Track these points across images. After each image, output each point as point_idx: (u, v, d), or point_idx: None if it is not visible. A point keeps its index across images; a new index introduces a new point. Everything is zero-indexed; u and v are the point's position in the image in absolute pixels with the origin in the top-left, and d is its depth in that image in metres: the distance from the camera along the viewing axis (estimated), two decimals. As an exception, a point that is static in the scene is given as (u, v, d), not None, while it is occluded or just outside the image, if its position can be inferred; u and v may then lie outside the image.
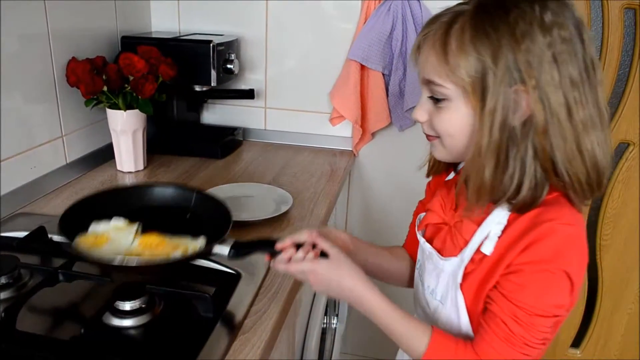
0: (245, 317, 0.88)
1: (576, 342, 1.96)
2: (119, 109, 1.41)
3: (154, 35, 1.67)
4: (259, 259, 0.97)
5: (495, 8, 0.68)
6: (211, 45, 1.52)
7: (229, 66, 1.61)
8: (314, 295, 1.49)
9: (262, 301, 0.93)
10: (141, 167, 1.51)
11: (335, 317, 1.79)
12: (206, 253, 0.89)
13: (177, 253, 0.89)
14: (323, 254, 0.80)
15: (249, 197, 1.33)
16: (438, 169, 0.92)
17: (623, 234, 1.78)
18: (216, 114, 1.86)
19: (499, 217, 0.74)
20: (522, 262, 0.70)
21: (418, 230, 0.92)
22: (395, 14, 1.55)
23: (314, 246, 0.81)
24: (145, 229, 0.96)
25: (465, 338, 0.77)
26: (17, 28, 1.19)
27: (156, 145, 1.64)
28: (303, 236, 0.82)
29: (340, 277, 0.79)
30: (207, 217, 1.01)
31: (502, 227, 0.73)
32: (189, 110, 1.77)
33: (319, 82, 1.73)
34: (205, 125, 1.85)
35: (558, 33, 0.67)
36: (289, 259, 0.81)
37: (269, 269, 1.01)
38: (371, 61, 1.59)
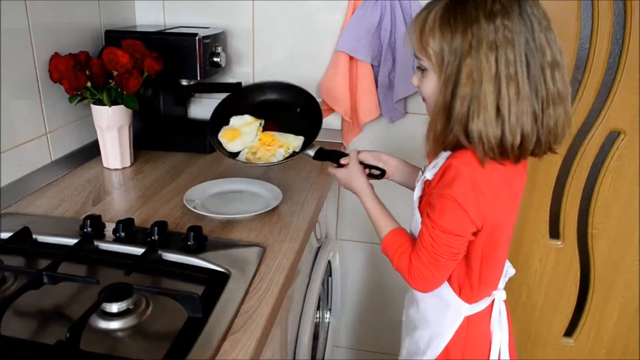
0: (235, 316, 0.86)
1: (569, 331, 1.96)
2: (104, 104, 1.38)
3: (138, 29, 1.63)
4: (249, 255, 1.01)
5: (461, 1, 0.87)
6: (197, 38, 1.49)
7: (215, 59, 1.58)
8: (306, 290, 1.48)
9: (253, 299, 0.91)
10: (128, 163, 1.49)
11: (328, 312, 1.78)
12: (300, 152, 1.22)
13: (281, 152, 1.21)
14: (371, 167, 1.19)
15: (238, 193, 1.31)
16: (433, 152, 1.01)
17: (614, 222, 1.78)
18: (203, 108, 1.83)
19: (442, 156, 0.95)
20: (434, 188, 0.93)
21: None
22: (383, 5, 1.52)
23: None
24: (267, 122, 1.28)
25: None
26: (-4, 23, 1.16)
27: (143, 141, 1.61)
28: (363, 155, 1.19)
29: (350, 182, 1.15)
30: (310, 114, 1.28)
31: (442, 161, 0.93)
32: (176, 105, 1.75)
33: (308, 75, 1.71)
34: (193, 119, 1.83)
35: (501, 21, 0.83)
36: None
37: (258, 267, 1.00)
38: (360, 52, 1.57)
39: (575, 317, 1.94)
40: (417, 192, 1.02)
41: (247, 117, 1.28)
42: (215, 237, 1.10)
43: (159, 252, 1.01)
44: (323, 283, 1.58)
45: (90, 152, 1.51)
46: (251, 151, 1.22)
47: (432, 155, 0.98)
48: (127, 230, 1.05)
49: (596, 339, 1.94)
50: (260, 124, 1.27)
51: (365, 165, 1.18)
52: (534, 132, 0.87)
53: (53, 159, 1.39)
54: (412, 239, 1.02)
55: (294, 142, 1.23)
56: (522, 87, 0.84)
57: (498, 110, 0.84)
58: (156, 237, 1.03)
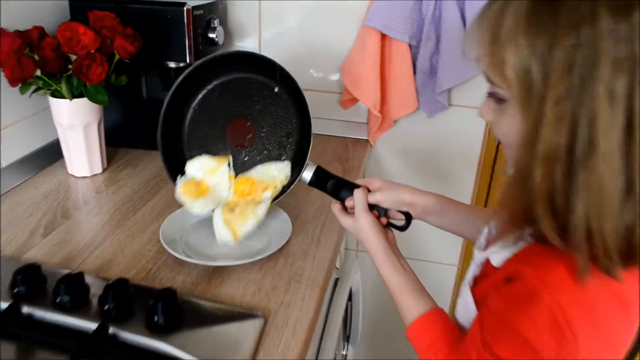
0: None
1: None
2: (64, 97, 1.06)
3: (114, -4, 1.30)
4: (243, 334, 0.72)
5: None
6: (185, 9, 1.15)
7: (210, 35, 1.25)
8: (323, 329, 1.19)
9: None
10: (99, 169, 1.18)
11: (347, 343, 1.50)
12: (291, 183, 0.94)
13: (267, 195, 0.92)
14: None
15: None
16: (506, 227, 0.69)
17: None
18: (200, 92, 1.51)
19: (517, 239, 0.61)
20: (497, 288, 0.61)
21: None
22: (428, -34, 1.17)
23: None
24: (235, 120, 0.97)
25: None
26: None
27: (120, 137, 1.30)
28: (375, 197, 0.84)
29: (359, 237, 0.84)
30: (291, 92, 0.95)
31: (516, 249, 0.61)
32: (165, 89, 1.41)
33: (327, 55, 1.37)
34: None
35: None
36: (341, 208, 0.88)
37: (255, 354, 0.70)
38: (395, 29, 1.22)
39: None
40: (472, 271, 0.71)
41: (207, 160, 0.96)
42: (197, 297, 0.80)
43: (113, 329, 0.71)
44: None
45: (52, 154, 1.20)
46: (227, 208, 0.91)
47: (505, 229, 0.63)
48: (74, 291, 0.76)
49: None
50: (229, 165, 0.97)
51: (379, 210, 0.86)
52: None
53: (2, 165, 1.09)
54: (457, 329, 0.71)
55: (280, 173, 0.94)
56: None
57: (629, 184, 0.51)
58: (111, 305, 0.73)
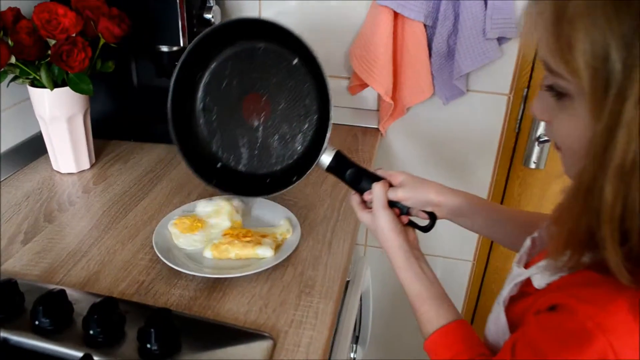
0: None
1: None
2: (44, 86, 0.96)
3: (100, -28, 1.18)
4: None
5: None
6: (178, -14, 1.04)
7: (206, 16, 1.14)
8: (334, 334, 1.10)
9: None
10: (86, 165, 1.08)
11: (355, 345, 1.41)
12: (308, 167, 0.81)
13: (268, 241, 0.82)
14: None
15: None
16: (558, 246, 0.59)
17: None
18: (196, 78, 1.40)
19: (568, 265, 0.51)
20: (537, 314, 0.52)
21: None
22: (446, -63, 1.05)
23: None
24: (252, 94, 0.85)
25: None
26: None
27: (110, 129, 1.20)
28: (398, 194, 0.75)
29: (376, 235, 0.75)
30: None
31: (565, 273, 0.52)
32: (158, 75, 1.30)
33: (333, 36, 1.26)
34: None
35: None
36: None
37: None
38: (409, 7, 1.11)
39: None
40: (508, 290, 0.61)
41: (221, 202, 0.91)
42: (195, 315, 0.71)
43: (99, 358, 0.61)
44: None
45: (37, 147, 1.10)
46: (215, 249, 0.82)
47: (555, 248, 0.52)
48: (55, 312, 0.66)
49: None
50: (238, 211, 0.91)
51: (401, 208, 0.76)
52: None
53: (-21, 162, 0.99)
54: (482, 346, 0.63)
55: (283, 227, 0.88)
56: None
57: None
58: (96, 331, 0.64)
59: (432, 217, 0.76)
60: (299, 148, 0.87)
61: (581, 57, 0.43)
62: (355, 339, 1.43)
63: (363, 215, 0.77)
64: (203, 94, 0.87)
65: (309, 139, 0.86)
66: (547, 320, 0.50)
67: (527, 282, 0.58)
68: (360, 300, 1.36)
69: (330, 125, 0.79)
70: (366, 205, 0.78)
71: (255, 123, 0.87)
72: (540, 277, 0.55)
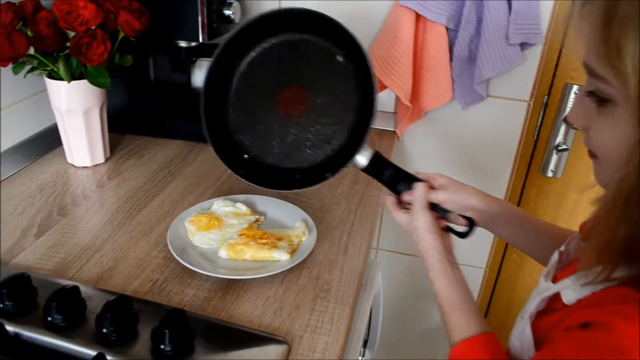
0: None
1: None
2: (61, 79, 0.95)
3: (121, -35, 1.17)
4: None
5: None
6: (199, -18, 1.03)
7: (226, 12, 1.13)
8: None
9: None
10: (101, 159, 1.07)
11: (364, 349, 1.40)
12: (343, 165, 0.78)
13: (283, 245, 0.82)
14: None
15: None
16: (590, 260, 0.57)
17: None
18: (212, 75, 1.39)
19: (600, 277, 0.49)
20: (571, 341, 0.49)
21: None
22: (473, -61, 1.04)
23: None
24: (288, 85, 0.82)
25: None
26: None
27: (125, 123, 1.19)
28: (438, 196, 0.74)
29: (412, 238, 0.73)
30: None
31: (598, 288, 0.50)
32: (174, 70, 1.30)
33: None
34: (198, 91, 1.37)
35: None
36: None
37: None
38: (432, 9, 1.10)
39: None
40: (535, 305, 0.59)
41: (242, 207, 0.90)
42: (209, 316, 0.69)
43: (112, 357, 0.60)
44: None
45: (53, 139, 1.09)
46: (230, 249, 0.80)
47: (587, 262, 0.51)
48: (68, 309, 0.65)
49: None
50: (257, 220, 0.90)
51: (439, 211, 0.74)
52: None
53: (-6, 153, 0.99)
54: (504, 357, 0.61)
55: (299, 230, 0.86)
56: None
57: None
58: (110, 329, 0.63)
59: (471, 222, 0.74)
60: (333, 145, 0.83)
61: (630, 61, 0.42)
62: (364, 343, 1.42)
63: (399, 215, 0.75)
64: (238, 84, 0.83)
65: (345, 136, 0.83)
66: (581, 338, 0.48)
67: (554, 297, 0.56)
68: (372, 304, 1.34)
69: (372, 124, 0.77)
70: (402, 206, 0.76)
71: (290, 117, 0.83)
72: (570, 292, 0.53)
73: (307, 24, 0.80)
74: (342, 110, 0.82)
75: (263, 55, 0.83)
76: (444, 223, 0.74)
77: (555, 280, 0.60)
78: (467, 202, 0.73)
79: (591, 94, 0.48)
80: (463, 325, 0.64)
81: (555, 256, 0.63)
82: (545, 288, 0.58)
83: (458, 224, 0.74)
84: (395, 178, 0.76)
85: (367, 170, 0.77)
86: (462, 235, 0.74)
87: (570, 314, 0.52)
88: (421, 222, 0.71)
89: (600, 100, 0.47)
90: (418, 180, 0.75)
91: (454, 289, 0.67)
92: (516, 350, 0.62)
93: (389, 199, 0.77)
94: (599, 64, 0.45)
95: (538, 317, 0.59)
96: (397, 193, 0.76)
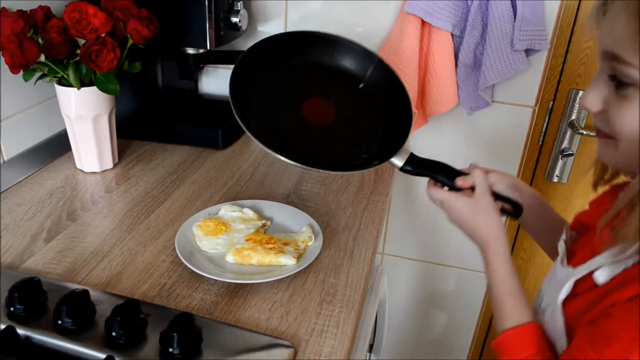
0: None
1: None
2: (71, 85, 0.96)
3: (129, -27, 1.19)
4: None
5: None
6: (206, -10, 1.04)
7: (233, 19, 1.14)
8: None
9: None
10: (109, 165, 1.08)
11: (369, 354, 1.40)
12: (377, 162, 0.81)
13: (290, 249, 0.81)
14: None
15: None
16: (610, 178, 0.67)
17: None
18: (219, 81, 1.41)
19: (629, 253, 0.53)
20: (606, 307, 0.53)
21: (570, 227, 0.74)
22: (477, -53, 1.05)
23: None
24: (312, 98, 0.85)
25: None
26: None
27: (134, 129, 1.20)
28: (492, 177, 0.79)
29: (473, 223, 0.74)
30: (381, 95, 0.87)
31: (630, 263, 0.53)
32: (181, 77, 1.31)
33: (359, 39, 1.25)
34: (205, 97, 1.40)
35: None
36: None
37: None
38: (437, 16, 1.10)
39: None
40: (564, 292, 0.61)
41: (249, 213, 0.90)
42: (217, 320, 0.70)
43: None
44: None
45: (62, 145, 1.11)
46: (237, 254, 0.81)
47: (628, 234, 0.53)
48: (77, 313, 0.66)
49: None
50: (264, 225, 0.89)
51: (495, 197, 0.77)
52: None
53: (5, 159, 1.00)
54: (549, 350, 0.63)
55: (305, 234, 0.86)
56: None
57: None
58: (118, 332, 0.64)
59: (517, 204, 0.78)
60: (364, 152, 0.86)
61: None
62: (370, 347, 1.42)
63: (459, 199, 0.75)
64: (259, 95, 0.85)
65: (377, 143, 0.86)
66: (633, 309, 0.50)
67: (579, 281, 0.59)
68: (377, 308, 1.35)
69: (409, 130, 0.82)
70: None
71: (317, 122, 0.86)
72: (603, 270, 0.55)
73: (328, 46, 0.87)
74: (370, 125, 0.87)
75: (287, 72, 0.87)
76: (499, 205, 0.77)
77: (576, 241, 0.64)
78: (514, 182, 0.79)
79: (612, 77, 0.53)
80: (516, 312, 0.66)
81: (562, 245, 0.65)
82: (570, 273, 0.60)
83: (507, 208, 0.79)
84: (436, 170, 0.80)
85: (404, 170, 0.81)
86: (515, 215, 0.78)
87: (609, 294, 0.54)
88: (490, 203, 0.74)
89: (619, 84, 0.52)
90: (456, 171, 0.79)
91: (512, 274, 0.69)
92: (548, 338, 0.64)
93: (434, 188, 0.80)
94: (626, 53, 0.50)
95: (563, 303, 0.61)
96: (447, 183, 0.79)
